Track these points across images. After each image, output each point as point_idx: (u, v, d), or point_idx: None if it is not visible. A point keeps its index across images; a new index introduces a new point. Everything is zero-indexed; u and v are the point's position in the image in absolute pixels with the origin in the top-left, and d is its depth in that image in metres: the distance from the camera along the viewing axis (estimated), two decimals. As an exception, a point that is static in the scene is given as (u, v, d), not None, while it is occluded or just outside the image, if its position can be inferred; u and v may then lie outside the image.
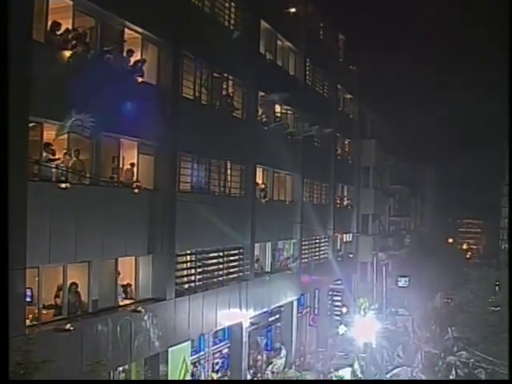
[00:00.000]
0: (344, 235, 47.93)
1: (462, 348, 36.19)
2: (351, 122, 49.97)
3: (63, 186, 17.08)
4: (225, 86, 27.82)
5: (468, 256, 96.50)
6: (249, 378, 30.34)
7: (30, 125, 16.13)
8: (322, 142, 39.54)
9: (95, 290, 19.01)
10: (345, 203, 48.21)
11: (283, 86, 32.60)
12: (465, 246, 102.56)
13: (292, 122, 35.29)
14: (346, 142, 49.03)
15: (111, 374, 20.16)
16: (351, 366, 30.76)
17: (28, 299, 16.48)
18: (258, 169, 30.95)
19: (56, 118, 16.95)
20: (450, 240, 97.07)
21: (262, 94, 31.17)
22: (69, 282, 18.13)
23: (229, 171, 28.19)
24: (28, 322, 16.26)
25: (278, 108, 34.15)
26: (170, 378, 22.41)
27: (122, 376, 21.02)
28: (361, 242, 50.62)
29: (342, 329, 40.70)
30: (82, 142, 18.41)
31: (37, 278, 16.87)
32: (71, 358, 16.96)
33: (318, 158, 39.08)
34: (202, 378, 28.42)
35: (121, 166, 20.61)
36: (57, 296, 18.15)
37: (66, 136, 17.68)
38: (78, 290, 18.55)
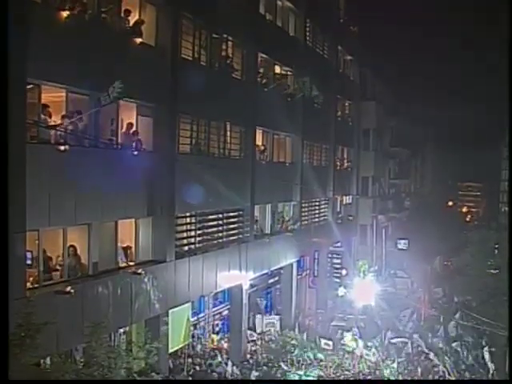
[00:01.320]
0: (344, 197, 47.91)
1: (461, 311, 36.37)
2: (351, 83, 49.54)
3: (62, 148, 16.97)
4: (224, 47, 27.49)
5: (468, 219, 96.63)
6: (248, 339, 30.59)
7: (28, 87, 15.96)
8: (321, 103, 39.24)
9: (95, 252, 19.02)
10: (345, 165, 48.07)
11: (283, 46, 32.24)
12: (464, 209, 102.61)
13: (292, 84, 34.98)
14: (346, 104, 48.69)
15: (112, 336, 20.29)
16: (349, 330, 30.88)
17: (28, 262, 16.49)
18: (257, 130, 30.77)
19: (54, 80, 16.78)
20: (450, 203, 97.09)
21: (262, 55, 30.86)
22: (68, 245, 18.12)
23: (228, 133, 28.02)
24: (29, 285, 16.29)
25: (277, 69, 33.84)
26: (170, 340, 22.54)
27: (123, 338, 21.15)
28: (360, 205, 50.60)
29: (341, 291, 40.82)
30: (80, 104, 18.25)
31: (37, 242, 16.86)
32: (72, 320, 17.05)
33: (317, 119, 38.81)
34: (203, 339, 28.73)
35: (120, 127, 20.46)
36: (57, 259, 18.16)
37: (64, 98, 17.53)
38: (78, 252, 18.54)
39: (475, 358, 29.26)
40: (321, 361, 28.49)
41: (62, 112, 17.64)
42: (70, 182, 17.39)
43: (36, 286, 16.73)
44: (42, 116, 17.01)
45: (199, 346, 28.21)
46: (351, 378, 26.51)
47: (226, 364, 25.84)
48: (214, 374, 25.34)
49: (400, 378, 26.21)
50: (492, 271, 41.16)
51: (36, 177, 15.74)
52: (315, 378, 26.56)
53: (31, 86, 16.25)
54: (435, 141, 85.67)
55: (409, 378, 25.38)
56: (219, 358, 26.96)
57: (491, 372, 27.70)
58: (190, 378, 23.72)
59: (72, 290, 16.97)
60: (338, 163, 45.80)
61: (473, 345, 30.95)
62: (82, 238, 18.72)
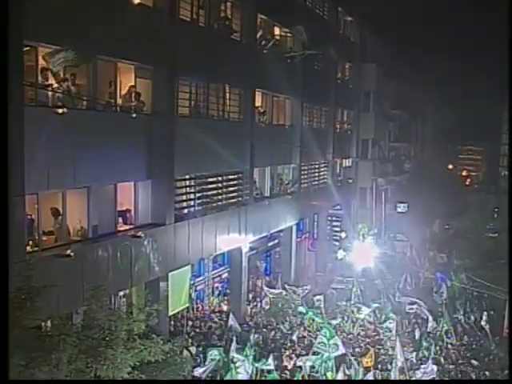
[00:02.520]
0: (343, 160, 47.76)
1: (460, 273, 36.57)
2: (352, 45, 49.00)
3: (60, 111, 16.80)
4: (223, 8, 27.14)
5: (467, 183, 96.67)
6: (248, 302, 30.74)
7: (25, 49, 15.77)
8: (321, 65, 38.89)
9: (95, 215, 18.99)
10: (344, 128, 47.85)
11: (282, 8, 31.83)
12: (464, 173, 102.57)
13: (292, 45, 34.62)
14: (347, 66, 48.23)
15: (112, 299, 20.36)
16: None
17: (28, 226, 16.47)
18: (256, 93, 30.53)
19: (50, 42, 16.57)
20: (450, 166, 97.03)
21: (261, 16, 30.47)
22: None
23: (227, 95, 27.80)
24: (28, 249, 16.28)
25: (277, 31, 33.46)
26: (170, 302, 22.64)
27: (123, 300, 21.23)
28: (360, 168, 50.48)
29: (340, 254, 40.99)
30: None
31: (36, 205, 16.81)
32: (72, 283, 17.10)
33: (317, 81, 38.50)
34: (205, 302, 28.90)
35: (118, 90, 20.27)
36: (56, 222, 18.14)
37: (61, 60, 17.32)
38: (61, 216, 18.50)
39: (473, 321, 29.43)
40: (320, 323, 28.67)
41: (60, 74, 17.46)
42: (69, 145, 17.28)
43: (35, 249, 16.71)
44: (40, 79, 16.84)
45: (199, 309, 28.39)
46: (350, 341, 26.64)
47: (226, 323, 25.92)
48: (214, 336, 25.50)
49: (396, 339, 26.37)
50: (491, 235, 41.37)
51: (34, 140, 15.62)
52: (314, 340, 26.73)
53: (28, 48, 16.05)
54: (436, 103, 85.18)
55: (407, 342, 25.51)
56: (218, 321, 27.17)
57: (488, 334, 27.92)
58: (190, 341, 23.82)
59: (72, 254, 16.96)
60: (338, 126, 45.58)
61: (471, 308, 31.12)
62: (81, 201, 18.67)
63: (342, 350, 22.98)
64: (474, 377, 23.26)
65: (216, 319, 27.65)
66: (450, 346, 26.69)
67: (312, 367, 22.82)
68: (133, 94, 20.74)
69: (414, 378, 22.50)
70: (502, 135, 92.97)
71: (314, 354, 23.23)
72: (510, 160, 46.51)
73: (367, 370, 22.90)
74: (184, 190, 24.85)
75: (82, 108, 18.27)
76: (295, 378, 22.01)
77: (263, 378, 21.29)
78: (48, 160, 16.51)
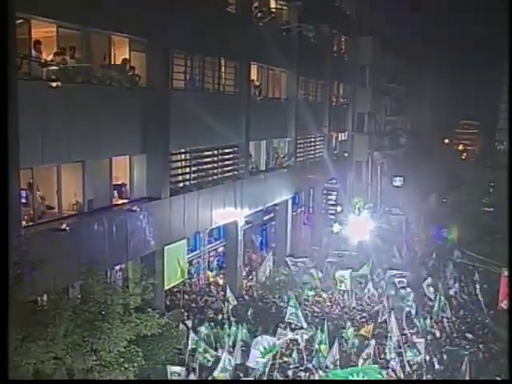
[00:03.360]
0: (339, 134, 47.66)
1: (456, 248, 36.70)
2: (348, 18, 48.59)
3: (54, 84, 16.66)
4: (218, -20, 26.86)
5: (463, 157, 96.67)
6: (244, 275, 30.82)
7: (18, 22, 15.58)
8: (317, 38, 38.60)
9: (90, 190, 18.93)
10: (340, 102, 47.62)
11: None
12: (461, 147, 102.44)
13: (287, 18, 34.32)
14: (343, 39, 47.85)
15: (108, 273, 20.40)
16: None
17: (23, 200, 16.41)
18: (252, 66, 30.29)
19: (43, 15, 16.37)
20: (446, 140, 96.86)
21: (257, -13, 30.21)
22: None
23: (223, 68, 27.59)
24: (24, 223, 16.23)
25: (272, 3, 33.14)
26: (166, 276, 22.68)
27: (119, 275, 21.27)
28: (356, 141, 50.35)
29: (336, 227, 41.09)
30: (72, 39, 17.88)
31: (31, 180, 16.73)
32: (68, 258, 17.07)
33: (313, 55, 38.23)
34: (201, 276, 28.97)
35: (113, 63, 20.10)
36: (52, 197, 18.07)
37: (55, 33, 17.15)
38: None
39: (468, 294, 29.57)
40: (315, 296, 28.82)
41: (53, 48, 17.29)
42: (63, 119, 17.17)
43: (31, 223, 16.67)
44: (34, 52, 16.66)
45: (195, 283, 28.49)
46: (346, 314, 26.77)
47: (224, 296, 25.99)
48: (210, 310, 25.59)
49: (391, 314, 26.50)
50: (487, 209, 41.51)
51: (28, 114, 15.50)
52: (310, 314, 26.85)
53: (21, 20, 15.86)
54: (433, 77, 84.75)
55: (402, 320, 25.61)
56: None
57: (483, 307, 28.06)
58: (186, 314, 23.91)
59: (67, 228, 16.93)
60: (334, 99, 45.36)
61: (466, 282, 31.26)
62: (76, 175, 18.60)
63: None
64: (468, 349, 23.42)
65: (212, 293, 27.74)
66: (445, 319, 26.80)
67: (307, 340, 22.92)
68: (127, 67, 20.54)
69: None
70: (499, 109, 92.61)
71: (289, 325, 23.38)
72: (511, 138, 45.99)
73: (363, 341, 23.07)
74: (179, 164, 24.78)
75: (76, 82, 18.10)
76: (290, 351, 22.11)
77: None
78: (42, 135, 16.39)
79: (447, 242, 38.74)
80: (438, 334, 25.28)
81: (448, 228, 42.13)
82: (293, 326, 23.97)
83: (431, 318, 26.24)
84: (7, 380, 10.02)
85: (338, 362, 21.12)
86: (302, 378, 20.43)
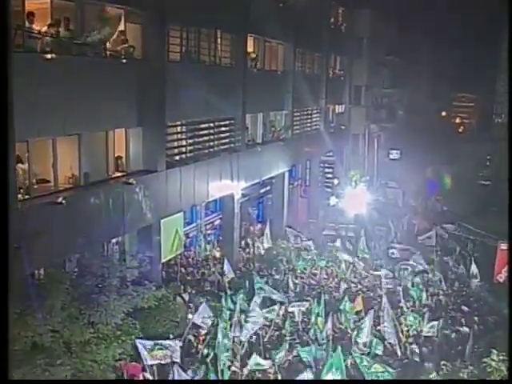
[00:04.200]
0: (336, 106, 47.49)
1: (452, 221, 36.76)
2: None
3: (48, 56, 16.49)
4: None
5: (460, 130, 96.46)
6: (240, 248, 30.88)
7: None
8: (314, 10, 38.26)
9: (86, 163, 18.83)
10: (337, 74, 47.37)
11: None
12: (458, 120, 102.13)
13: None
14: (340, 11, 47.49)
15: (105, 246, 20.40)
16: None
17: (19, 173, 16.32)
18: (248, 38, 30.02)
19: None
20: (443, 113, 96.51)
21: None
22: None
23: (219, 40, 27.35)
24: (20, 197, 16.16)
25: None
26: (163, 249, 22.68)
27: (116, 248, 21.27)
28: (353, 114, 50.23)
29: (333, 200, 41.10)
30: (66, 11, 17.67)
31: (27, 154, 16.63)
32: (65, 231, 17.02)
33: (310, 27, 37.96)
34: (197, 249, 28.98)
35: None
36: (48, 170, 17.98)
37: (49, 5, 16.94)
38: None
39: (464, 268, 29.64)
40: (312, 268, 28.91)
41: (47, 20, 17.09)
42: (58, 92, 17.00)
43: (27, 197, 16.60)
44: (28, 24, 16.46)
45: (192, 256, 28.53)
46: (342, 287, 26.85)
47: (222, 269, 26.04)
48: (207, 282, 25.65)
49: (388, 286, 26.60)
50: (483, 182, 41.50)
51: (23, 87, 15.34)
52: (307, 286, 26.96)
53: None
54: (430, 50, 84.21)
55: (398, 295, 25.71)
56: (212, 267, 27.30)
57: (477, 281, 28.17)
58: (183, 287, 23.95)
59: (64, 201, 16.86)
60: (331, 72, 45.12)
61: (462, 255, 31.35)
62: (72, 148, 18.49)
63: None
64: (463, 322, 23.55)
65: (209, 266, 27.78)
66: (440, 292, 26.92)
67: (303, 313, 23.02)
68: (122, 39, 20.33)
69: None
70: (496, 83, 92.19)
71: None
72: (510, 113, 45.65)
73: (357, 314, 23.19)
74: (175, 137, 24.66)
75: (71, 54, 17.92)
76: (287, 323, 22.19)
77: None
78: (38, 107, 16.25)
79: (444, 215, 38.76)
80: (433, 307, 25.43)
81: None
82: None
83: (427, 291, 26.34)
84: (7, 380, 10.02)
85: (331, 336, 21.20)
86: (299, 349, 20.47)
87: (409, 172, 47.92)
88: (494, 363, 14.25)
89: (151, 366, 17.74)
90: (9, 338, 10.94)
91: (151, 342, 17.60)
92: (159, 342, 17.79)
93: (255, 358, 19.10)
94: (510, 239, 22.72)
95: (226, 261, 25.96)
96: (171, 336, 19.32)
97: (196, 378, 18.05)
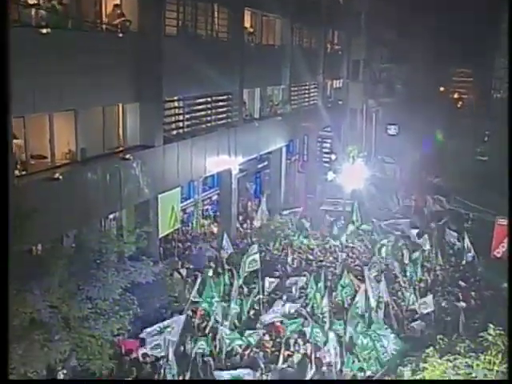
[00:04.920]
0: (334, 81, 47.26)
1: (449, 196, 36.80)
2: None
3: (44, 31, 16.30)
4: None
5: (459, 105, 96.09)
6: (238, 225, 30.89)
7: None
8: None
9: (83, 138, 18.73)
10: (335, 49, 47.08)
11: None
12: (456, 96, 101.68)
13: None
14: (338, -15, 47.12)
15: (102, 222, 20.40)
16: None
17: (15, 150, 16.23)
18: (245, 12, 29.82)
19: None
20: (442, 89, 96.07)
21: None
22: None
23: (216, 14, 27.12)
24: (17, 173, 16.10)
25: None
26: (160, 225, 22.68)
27: (113, 223, 21.26)
28: (351, 89, 50.00)
29: (330, 175, 41.06)
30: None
31: (23, 130, 16.53)
32: (62, 207, 17.00)
33: (308, 1, 37.68)
34: (195, 224, 29.02)
35: (104, 9, 19.70)
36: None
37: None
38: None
39: (461, 243, 29.68)
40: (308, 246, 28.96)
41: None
42: (54, 67, 16.84)
43: (24, 173, 16.54)
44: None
45: (189, 231, 28.55)
46: (339, 262, 26.92)
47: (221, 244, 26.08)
48: (205, 257, 25.69)
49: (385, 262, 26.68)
50: (481, 158, 41.43)
51: (18, 61, 15.18)
52: (304, 261, 27.03)
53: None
54: (429, 24, 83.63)
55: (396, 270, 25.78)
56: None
57: (472, 254, 28.23)
58: (180, 262, 23.99)
59: (60, 177, 16.80)
60: (329, 46, 44.85)
61: (459, 232, 31.42)
62: (69, 124, 18.39)
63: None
64: (460, 297, 23.64)
65: (206, 241, 27.83)
66: (437, 267, 27.01)
67: (301, 288, 23.08)
68: (118, 13, 20.13)
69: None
70: (495, 58, 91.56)
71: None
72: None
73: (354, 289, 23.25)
74: (173, 112, 24.56)
75: (67, 28, 17.75)
76: (284, 298, 22.25)
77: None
78: (33, 82, 16.11)
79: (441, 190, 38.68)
80: (429, 281, 25.53)
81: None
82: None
83: (423, 266, 26.42)
84: (7, 380, 10.02)
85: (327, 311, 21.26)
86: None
87: (407, 147, 47.82)
88: (490, 337, 14.30)
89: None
90: (8, 339, 10.93)
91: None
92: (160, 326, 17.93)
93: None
94: (510, 214, 22.68)
95: (225, 236, 26.01)
96: (169, 311, 19.44)
97: (195, 351, 18.13)
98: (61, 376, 15.83)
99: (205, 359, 18.27)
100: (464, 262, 28.04)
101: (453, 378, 12.60)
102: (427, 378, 12.87)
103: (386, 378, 14.01)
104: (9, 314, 10.71)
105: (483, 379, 12.73)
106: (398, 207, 36.24)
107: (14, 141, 16.02)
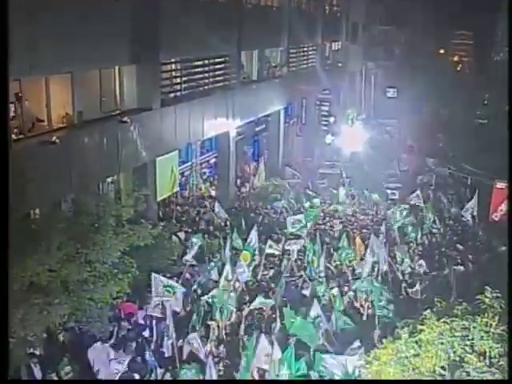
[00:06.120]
0: (333, 43, 46.86)
1: (450, 160, 36.72)
2: None
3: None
4: None
5: (458, 68, 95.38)
6: (236, 186, 30.86)
7: None
8: None
9: (80, 102, 18.58)
10: (334, 10, 46.58)
11: None
12: (456, 58, 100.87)
13: None
14: None
15: (100, 185, 20.33)
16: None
17: (12, 114, 16.10)
18: (244, -28, 29.46)
19: None
20: (442, 51, 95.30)
21: None
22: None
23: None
24: (13, 137, 15.99)
25: None
26: (158, 188, 22.63)
27: (111, 187, 21.20)
28: (350, 51, 49.60)
29: (329, 138, 40.92)
30: None
31: (20, 94, 16.38)
32: (59, 171, 16.93)
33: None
34: (193, 187, 28.95)
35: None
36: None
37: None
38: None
39: (460, 206, 29.67)
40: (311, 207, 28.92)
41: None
42: (49, 29, 16.60)
43: (20, 137, 16.43)
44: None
45: (187, 194, 28.52)
46: (337, 225, 26.92)
47: (213, 210, 26.03)
48: (202, 221, 25.68)
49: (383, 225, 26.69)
50: (481, 121, 41.20)
51: (14, 24, 14.96)
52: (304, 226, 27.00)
53: None
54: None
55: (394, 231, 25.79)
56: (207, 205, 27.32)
57: (469, 219, 28.25)
58: (178, 225, 23.96)
59: (57, 140, 16.69)
60: (327, 8, 44.35)
61: (458, 195, 31.37)
62: (65, 87, 18.23)
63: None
64: (458, 260, 23.67)
65: (204, 204, 27.79)
66: (435, 230, 27.01)
67: (299, 251, 23.05)
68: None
69: None
70: (496, 20, 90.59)
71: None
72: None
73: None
74: (170, 74, 24.36)
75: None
76: (284, 263, 22.26)
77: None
78: (29, 45, 15.90)
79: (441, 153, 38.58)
80: (426, 243, 25.58)
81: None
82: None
83: (422, 229, 26.43)
84: (7, 380, 10.02)
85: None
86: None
87: (406, 110, 47.60)
88: (487, 300, 14.33)
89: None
90: (8, 339, 10.95)
91: (166, 280, 17.72)
92: (171, 283, 17.83)
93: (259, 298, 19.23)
94: (509, 178, 22.62)
95: (216, 203, 25.96)
96: (168, 275, 19.46)
97: (194, 318, 18.14)
98: (60, 339, 15.95)
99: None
100: (462, 226, 28.03)
101: (449, 339, 12.66)
102: (424, 339, 12.95)
103: (384, 343, 14.08)
104: (8, 315, 10.62)
105: (483, 379, 12.76)
106: (397, 171, 36.10)
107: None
